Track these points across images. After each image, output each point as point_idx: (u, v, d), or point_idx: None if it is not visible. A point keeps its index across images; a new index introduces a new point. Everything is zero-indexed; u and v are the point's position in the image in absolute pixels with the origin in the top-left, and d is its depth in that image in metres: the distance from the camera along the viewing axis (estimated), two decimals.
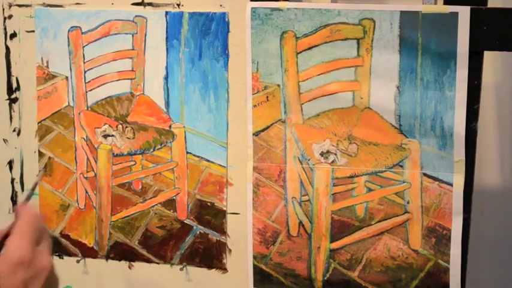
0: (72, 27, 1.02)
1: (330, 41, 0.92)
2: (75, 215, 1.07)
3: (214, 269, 1.04)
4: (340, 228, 0.96)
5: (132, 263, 1.07)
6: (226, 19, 0.97)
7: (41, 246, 0.75)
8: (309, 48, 0.92)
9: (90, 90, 1.04)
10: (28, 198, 0.85)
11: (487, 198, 1.04)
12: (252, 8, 0.93)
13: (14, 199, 1.10)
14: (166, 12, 0.99)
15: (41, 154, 1.07)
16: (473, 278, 0.96)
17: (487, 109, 1.01)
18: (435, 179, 0.92)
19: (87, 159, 1.05)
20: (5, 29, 1.06)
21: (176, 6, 0.99)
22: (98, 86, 1.03)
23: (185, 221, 1.03)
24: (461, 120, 0.89)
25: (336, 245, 0.97)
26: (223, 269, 1.04)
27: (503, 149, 1.04)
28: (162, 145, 1.02)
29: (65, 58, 1.04)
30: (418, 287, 0.95)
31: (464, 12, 0.86)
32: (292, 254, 0.98)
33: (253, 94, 0.95)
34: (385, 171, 0.93)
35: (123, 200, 1.05)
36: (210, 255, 1.04)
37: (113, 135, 1.03)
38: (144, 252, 1.06)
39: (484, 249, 1.05)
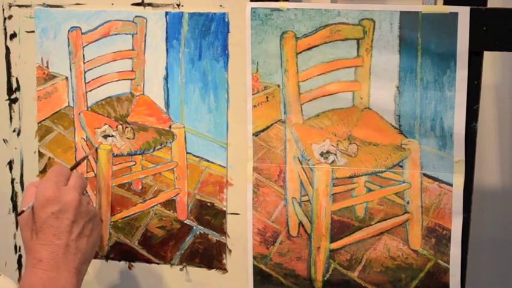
0: (72, 27, 1.03)
1: (329, 41, 0.92)
2: None
3: (214, 269, 1.04)
4: (340, 229, 0.96)
5: (132, 263, 1.07)
6: (226, 19, 0.97)
7: (68, 186, 0.90)
8: (309, 49, 0.92)
9: (90, 90, 1.04)
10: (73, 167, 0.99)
11: (487, 198, 1.04)
12: (252, 8, 0.93)
13: (14, 199, 1.11)
14: (166, 13, 0.99)
15: (41, 154, 1.07)
16: (473, 278, 0.96)
17: (487, 109, 1.01)
18: (435, 179, 0.92)
19: (87, 159, 1.05)
20: (5, 29, 1.06)
21: (176, 6, 0.99)
22: (98, 87, 1.03)
23: (185, 221, 1.04)
24: (461, 120, 0.89)
25: (335, 245, 0.97)
26: (223, 269, 1.04)
27: (503, 149, 1.04)
28: (162, 145, 1.02)
29: (65, 58, 1.04)
30: (418, 287, 0.95)
31: (464, 13, 0.86)
32: (292, 254, 0.98)
33: (253, 94, 0.95)
34: (385, 171, 0.93)
35: (123, 200, 1.05)
36: (210, 256, 1.04)
37: (112, 136, 1.04)
38: (144, 252, 1.06)
39: (484, 249, 1.05)
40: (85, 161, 1.05)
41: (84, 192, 0.94)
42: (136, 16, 1.00)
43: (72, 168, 0.98)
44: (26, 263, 0.87)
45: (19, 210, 0.89)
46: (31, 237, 0.87)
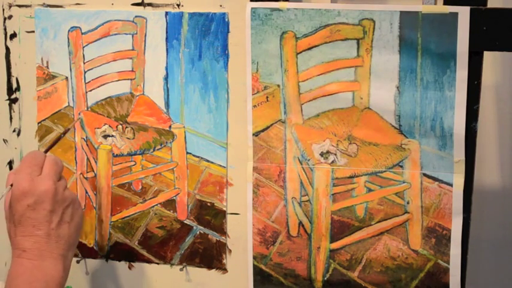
0: (72, 27, 1.03)
1: (329, 41, 0.92)
2: None
3: (214, 269, 1.04)
4: (340, 229, 0.96)
5: (132, 263, 1.07)
6: (226, 19, 0.97)
7: (42, 174, 0.88)
8: (309, 49, 0.92)
9: (90, 90, 1.04)
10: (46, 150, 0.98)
11: (487, 198, 1.04)
12: (252, 8, 0.93)
13: None
14: (166, 13, 0.99)
15: None
16: (473, 278, 0.96)
17: (487, 109, 1.01)
18: (435, 179, 0.92)
19: (87, 159, 1.05)
20: (5, 29, 1.06)
21: (176, 6, 0.99)
22: (98, 87, 1.03)
23: (185, 221, 1.04)
24: (461, 120, 0.89)
25: (335, 245, 0.97)
26: (223, 269, 1.04)
27: (503, 149, 1.04)
28: (162, 145, 1.02)
29: (65, 58, 1.04)
30: (418, 287, 0.95)
31: (464, 13, 0.86)
32: (292, 254, 0.98)
33: (253, 94, 0.95)
34: (385, 171, 0.93)
35: (123, 200, 1.05)
36: (210, 256, 1.04)
37: (112, 136, 1.04)
38: (144, 252, 1.06)
39: (484, 249, 1.05)
40: (85, 161, 1.05)
41: (61, 176, 0.92)
42: (136, 16, 1.00)
43: (46, 150, 0.96)
44: (12, 254, 0.87)
45: None
46: (12, 230, 0.88)
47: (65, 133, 1.03)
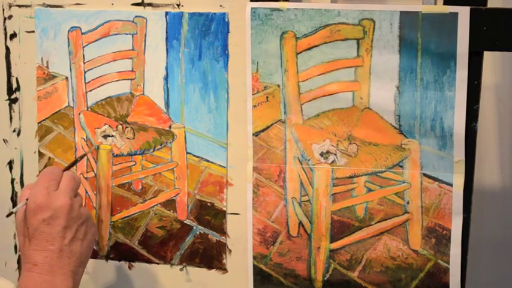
0: (72, 27, 1.03)
1: (329, 41, 0.92)
2: None
3: (214, 269, 1.04)
4: (340, 229, 0.96)
5: (132, 263, 1.07)
6: (226, 19, 0.97)
7: (58, 189, 0.89)
8: (309, 49, 0.92)
9: (90, 90, 1.04)
10: (66, 168, 0.98)
11: (487, 198, 1.04)
12: (252, 8, 0.93)
13: (14, 199, 1.11)
14: (166, 13, 0.99)
15: (41, 154, 1.07)
16: (473, 278, 0.96)
17: (487, 109, 1.01)
18: (435, 179, 0.92)
19: (87, 159, 1.05)
20: (5, 29, 1.06)
21: (176, 6, 0.99)
22: (98, 87, 1.03)
23: (185, 221, 1.04)
24: (461, 120, 0.89)
25: (335, 245, 0.97)
26: (223, 269, 1.04)
27: (503, 149, 1.04)
28: (162, 145, 1.02)
29: (65, 58, 1.04)
30: (418, 287, 0.95)
31: (464, 13, 0.86)
32: (292, 254, 0.98)
33: (253, 94, 0.95)
34: (385, 171, 0.93)
35: (123, 200, 1.05)
36: (210, 256, 1.04)
37: (112, 136, 1.04)
38: (144, 252, 1.06)
39: (484, 249, 1.05)
40: (85, 161, 1.05)
41: (77, 193, 0.92)
42: (136, 16, 1.00)
43: (66, 169, 0.97)
44: (22, 267, 0.87)
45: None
46: (24, 242, 0.87)
47: (82, 157, 1.03)
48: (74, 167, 1.04)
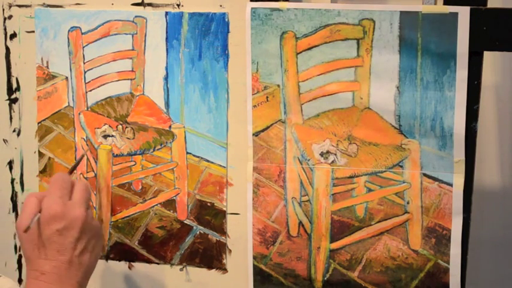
0: (72, 27, 1.03)
1: (329, 41, 0.92)
2: None
3: (214, 269, 1.04)
4: (340, 229, 0.96)
5: (132, 263, 1.07)
6: (226, 19, 0.97)
7: (73, 200, 0.88)
8: (309, 49, 0.92)
9: (90, 90, 1.04)
10: (70, 171, 0.98)
11: (487, 198, 1.04)
12: (252, 8, 0.93)
13: (14, 199, 1.10)
14: (166, 13, 0.99)
15: (41, 154, 1.07)
16: (473, 278, 0.96)
17: (487, 109, 1.01)
18: (435, 179, 0.92)
19: (87, 159, 1.05)
20: (5, 29, 1.06)
21: (176, 6, 0.99)
22: (98, 87, 1.03)
23: (185, 221, 1.04)
24: (461, 120, 0.89)
25: (335, 245, 0.97)
26: (223, 269, 1.04)
27: (503, 149, 1.04)
28: (162, 145, 1.02)
29: (65, 58, 1.04)
30: (418, 287, 0.95)
31: (464, 13, 0.86)
32: (292, 254, 0.98)
33: (253, 94, 0.95)
34: (385, 171, 0.93)
35: (123, 200, 1.05)
36: (210, 256, 1.04)
37: (112, 136, 1.04)
38: (144, 252, 1.06)
39: (484, 249, 1.05)
40: (85, 161, 1.05)
41: (89, 205, 0.92)
42: (136, 16, 1.00)
43: (69, 172, 0.97)
44: (27, 274, 0.86)
45: (19, 221, 0.87)
46: (33, 250, 0.86)
47: (82, 157, 1.03)
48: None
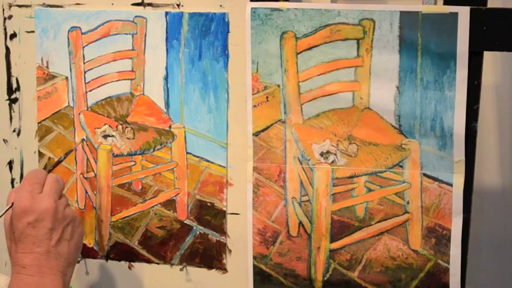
0: (72, 27, 1.03)
1: (329, 41, 0.92)
2: None
3: (214, 269, 1.04)
4: (340, 229, 0.96)
5: (132, 263, 1.07)
6: (226, 19, 0.97)
7: (43, 192, 0.89)
8: (309, 49, 0.92)
9: (90, 90, 1.04)
10: (50, 170, 0.97)
11: (487, 198, 1.04)
12: (252, 8, 0.93)
13: None
14: (166, 13, 0.99)
15: (41, 154, 1.07)
16: (473, 278, 0.96)
17: (487, 109, 1.01)
18: (435, 179, 0.92)
19: (87, 159, 1.05)
20: (5, 29, 1.06)
21: (176, 6, 0.99)
22: (98, 87, 1.03)
23: (185, 221, 1.04)
24: (461, 120, 0.89)
25: (335, 245, 0.97)
26: (223, 269, 1.04)
27: (503, 149, 1.04)
28: (162, 145, 1.02)
29: (65, 58, 1.04)
30: (418, 287, 0.95)
31: (464, 13, 0.86)
32: (292, 254, 0.98)
33: (253, 94, 0.95)
34: (385, 171, 0.93)
35: (123, 200, 1.05)
36: (210, 256, 1.04)
37: (112, 136, 1.04)
38: (144, 252, 1.06)
39: (484, 249, 1.05)
40: (85, 161, 1.05)
41: (62, 195, 0.92)
42: (136, 16, 1.00)
43: (49, 170, 0.96)
44: (12, 270, 0.87)
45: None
46: (11, 246, 0.88)
47: (65, 156, 1.03)
48: (75, 168, 1.05)
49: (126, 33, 1.01)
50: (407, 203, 0.94)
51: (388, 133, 0.92)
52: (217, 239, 1.03)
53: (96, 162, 1.05)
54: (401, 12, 0.89)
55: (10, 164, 1.10)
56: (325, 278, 0.98)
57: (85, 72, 1.03)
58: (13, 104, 1.08)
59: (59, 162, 1.02)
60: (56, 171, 1.06)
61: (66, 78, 1.04)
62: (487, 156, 1.03)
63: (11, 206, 0.88)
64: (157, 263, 1.06)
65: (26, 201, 0.87)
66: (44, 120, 1.06)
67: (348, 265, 0.97)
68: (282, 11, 0.92)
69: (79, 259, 1.08)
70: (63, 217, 0.89)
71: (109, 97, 1.03)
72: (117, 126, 1.03)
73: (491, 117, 1.03)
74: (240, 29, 0.96)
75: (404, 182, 0.93)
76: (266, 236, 0.99)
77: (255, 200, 0.98)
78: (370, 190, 0.95)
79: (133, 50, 1.01)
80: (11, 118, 1.08)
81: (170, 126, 1.02)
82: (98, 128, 1.04)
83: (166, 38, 1.00)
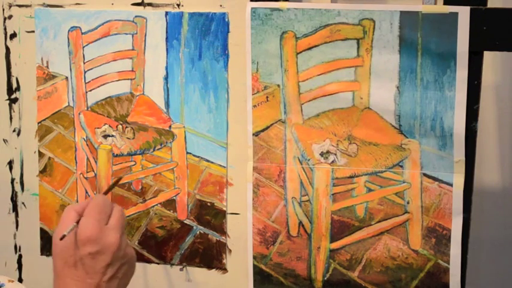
0: (72, 27, 1.03)
1: (329, 41, 0.92)
2: None
3: (214, 269, 1.04)
4: (340, 229, 0.96)
5: None
6: (226, 19, 0.97)
7: (109, 225, 0.86)
8: (309, 49, 0.92)
9: (90, 90, 1.04)
10: (106, 192, 0.97)
11: (487, 198, 1.04)
12: (252, 8, 0.93)
13: (14, 199, 1.10)
14: (166, 13, 0.99)
15: (41, 154, 1.07)
16: (473, 278, 0.96)
17: (487, 109, 1.01)
18: (435, 179, 0.92)
19: (87, 159, 1.05)
20: (5, 29, 1.06)
21: (176, 6, 0.99)
22: (98, 86, 1.03)
23: (185, 221, 1.04)
24: (461, 120, 0.89)
25: (335, 245, 0.97)
26: (223, 269, 1.04)
27: (503, 149, 1.04)
28: (162, 145, 1.02)
29: (65, 58, 1.04)
30: (418, 287, 0.95)
31: (464, 13, 0.86)
32: (292, 254, 0.98)
33: (253, 94, 0.95)
34: (385, 171, 0.93)
35: (123, 200, 1.05)
36: (210, 256, 1.04)
37: (113, 136, 1.04)
38: (144, 252, 1.06)
39: (484, 249, 1.05)
40: (85, 161, 1.05)
41: (124, 231, 0.90)
42: (136, 16, 1.00)
43: (105, 193, 0.96)
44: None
45: (56, 232, 0.86)
46: (63, 268, 0.85)
47: (118, 181, 1.02)
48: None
49: (126, 33, 1.01)
50: (408, 203, 0.94)
51: (388, 133, 0.92)
52: (217, 239, 1.03)
53: (96, 162, 1.05)
54: (401, 12, 0.89)
55: (10, 164, 1.10)
56: (325, 278, 0.98)
57: (85, 72, 1.03)
58: (13, 104, 1.08)
59: (114, 185, 1.01)
60: (56, 171, 1.06)
61: (66, 78, 1.04)
62: (487, 156, 1.03)
63: (75, 225, 0.85)
64: (158, 263, 1.06)
65: (93, 231, 0.84)
66: (44, 120, 1.06)
67: (348, 265, 0.97)
68: (282, 11, 0.92)
69: None
70: (123, 255, 0.87)
71: (109, 97, 1.03)
72: (117, 126, 1.03)
73: (491, 117, 1.03)
74: (240, 29, 0.96)
75: (404, 182, 0.93)
76: (266, 236, 0.99)
77: (255, 200, 0.98)
78: (370, 190, 0.95)
79: (133, 49, 1.01)
80: (11, 118, 1.08)
81: (170, 126, 1.02)
82: (98, 128, 1.04)
83: (166, 38, 1.00)
